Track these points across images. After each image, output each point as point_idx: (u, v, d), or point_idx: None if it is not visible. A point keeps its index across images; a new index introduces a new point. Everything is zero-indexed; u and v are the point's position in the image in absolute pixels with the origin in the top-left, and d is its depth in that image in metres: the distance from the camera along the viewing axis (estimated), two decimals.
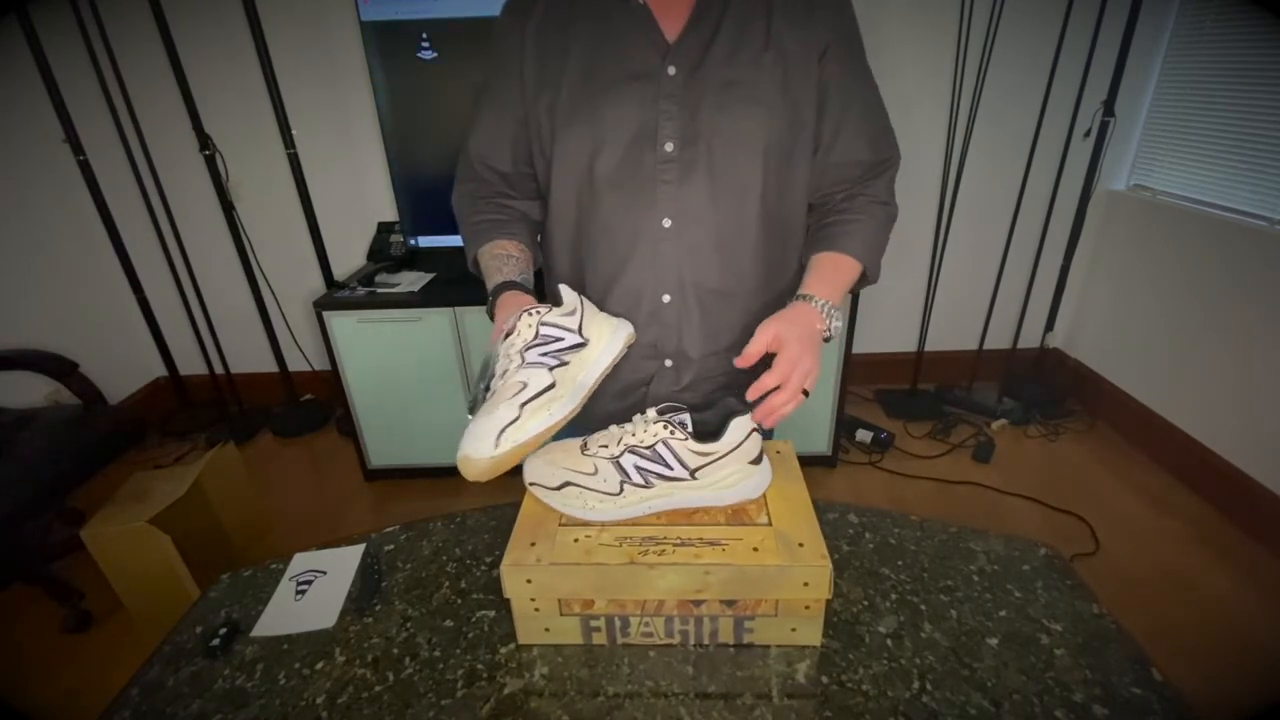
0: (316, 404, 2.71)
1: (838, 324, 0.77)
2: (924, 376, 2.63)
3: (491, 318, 0.81)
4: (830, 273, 0.81)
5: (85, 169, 2.17)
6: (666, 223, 0.79)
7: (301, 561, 0.83)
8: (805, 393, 0.71)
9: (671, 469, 0.69)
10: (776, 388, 0.70)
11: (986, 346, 2.61)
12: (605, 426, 0.75)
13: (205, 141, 2.25)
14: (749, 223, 0.81)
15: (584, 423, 0.79)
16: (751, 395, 0.71)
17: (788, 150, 0.80)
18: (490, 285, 0.83)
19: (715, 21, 0.76)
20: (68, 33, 2.06)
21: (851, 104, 0.81)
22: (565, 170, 0.82)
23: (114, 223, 2.31)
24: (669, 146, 0.77)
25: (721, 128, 0.77)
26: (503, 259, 0.83)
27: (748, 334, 0.74)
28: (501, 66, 0.83)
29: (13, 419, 1.78)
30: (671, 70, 0.76)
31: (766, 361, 0.73)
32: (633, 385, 0.88)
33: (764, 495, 0.73)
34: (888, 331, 2.66)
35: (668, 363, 0.86)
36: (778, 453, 0.80)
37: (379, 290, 2.07)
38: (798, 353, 0.71)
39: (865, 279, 0.86)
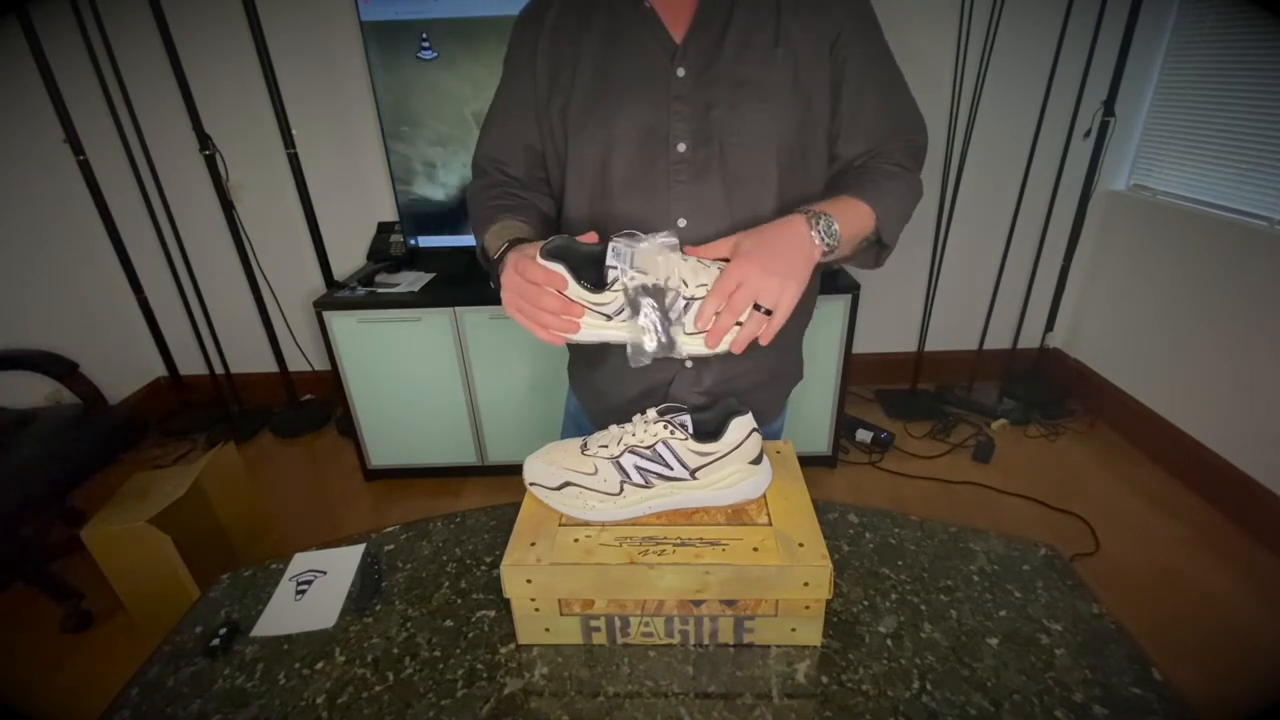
0: (316, 404, 2.72)
1: (836, 228, 0.69)
2: (924, 376, 2.63)
3: (498, 283, 0.73)
4: (832, 203, 0.74)
5: (85, 169, 2.17)
6: (681, 223, 0.79)
7: (301, 561, 0.83)
8: (767, 311, 0.65)
9: (671, 469, 0.69)
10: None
11: (986, 346, 2.61)
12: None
13: (205, 141, 2.25)
14: (765, 219, 0.80)
15: (603, 421, 0.79)
16: (697, 323, 0.65)
17: (801, 146, 0.79)
18: (500, 242, 0.75)
19: (723, 20, 0.76)
20: (68, 33, 2.06)
21: (868, 92, 0.80)
22: (578, 173, 0.82)
23: (114, 223, 2.31)
24: (681, 147, 0.77)
25: (734, 127, 0.76)
26: (515, 230, 0.79)
27: None
28: (515, 72, 0.84)
29: (13, 419, 1.78)
30: (681, 71, 0.76)
31: (779, 348, 0.71)
32: (656, 386, 0.87)
33: (764, 495, 0.73)
34: (888, 331, 2.67)
35: (688, 363, 0.86)
36: (778, 453, 0.80)
37: (379, 290, 2.07)
38: (738, 267, 0.64)
39: (883, 243, 0.80)
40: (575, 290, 0.64)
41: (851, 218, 0.74)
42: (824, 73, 0.78)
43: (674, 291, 0.64)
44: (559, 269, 0.63)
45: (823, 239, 0.69)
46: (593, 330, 0.66)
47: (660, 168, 0.78)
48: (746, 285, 0.64)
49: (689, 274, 0.64)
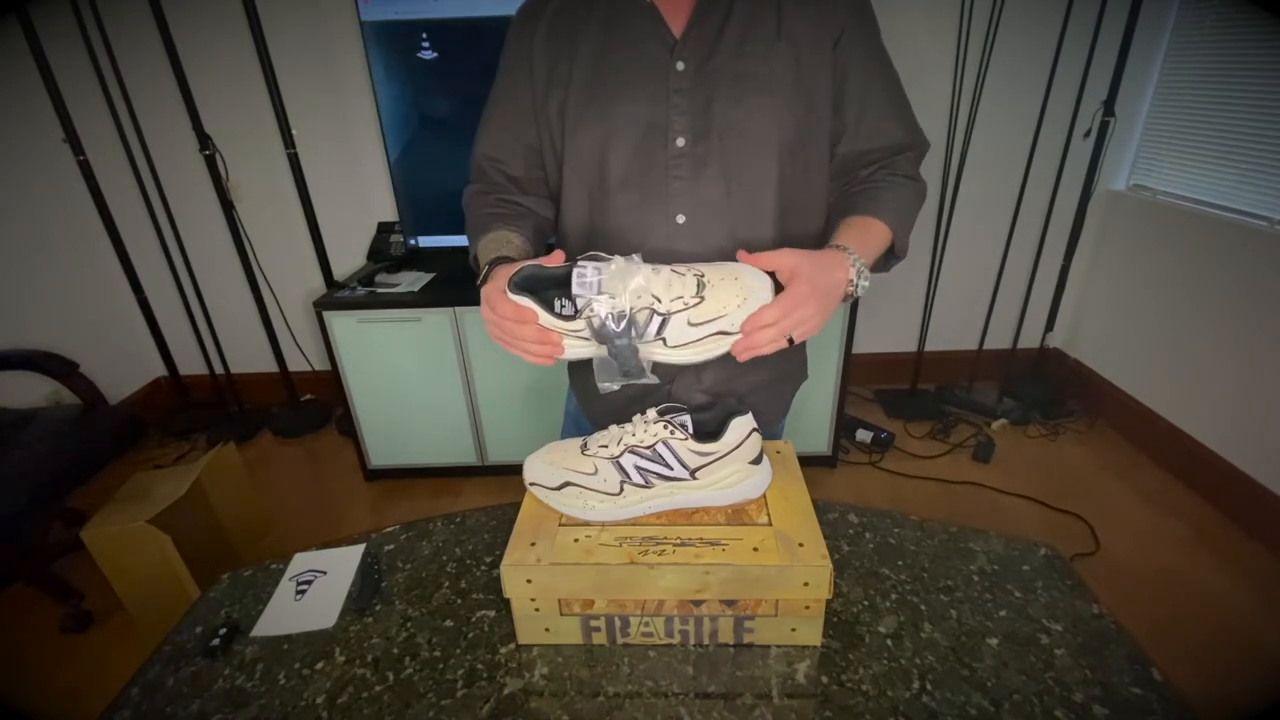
0: (316, 404, 2.72)
1: (865, 283, 0.71)
2: (924, 376, 2.63)
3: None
4: (858, 231, 0.76)
5: (85, 169, 2.17)
6: (680, 219, 0.79)
7: (301, 561, 0.83)
8: (790, 340, 0.66)
9: (671, 469, 0.69)
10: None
11: (986, 346, 2.61)
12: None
13: (205, 141, 2.25)
14: (765, 215, 0.80)
15: (603, 421, 0.79)
16: (745, 328, 0.65)
17: (803, 141, 0.79)
18: (485, 259, 0.77)
19: (723, 13, 0.76)
20: (68, 33, 2.06)
21: (872, 90, 0.80)
22: (576, 169, 0.81)
23: (114, 222, 2.31)
24: (680, 142, 0.77)
25: (734, 121, 0.76)
26: (502, 243, 0.80)
27: None
28: (512, 69, 0.83)
29: (13, 419, 1.78)
30: (680, 65, 0.76)
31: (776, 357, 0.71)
32: (656, 386, 0.87)
33: (764, 495, 0.73)
34: (888, 331, 2.67)
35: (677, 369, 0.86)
36: (778, 453, 0.80)
37: (379, 290, 2.07)
38: (804, 295, 0.65)
39: (893, 254, 0.82)
40: (548, 320, 0.64)
41: (874, 245, 0.77)
42: (826, 70, 0.77)
43: (647, 310, 0.63)
44: (527, 303, 0.64)
45: (854, 290, 0.72)
46: (577, 350, 0.66)
47: (659, 163, 0.78)
48: (804, 317, 0.65)
49: (662, 289, 0.64)
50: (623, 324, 0.63)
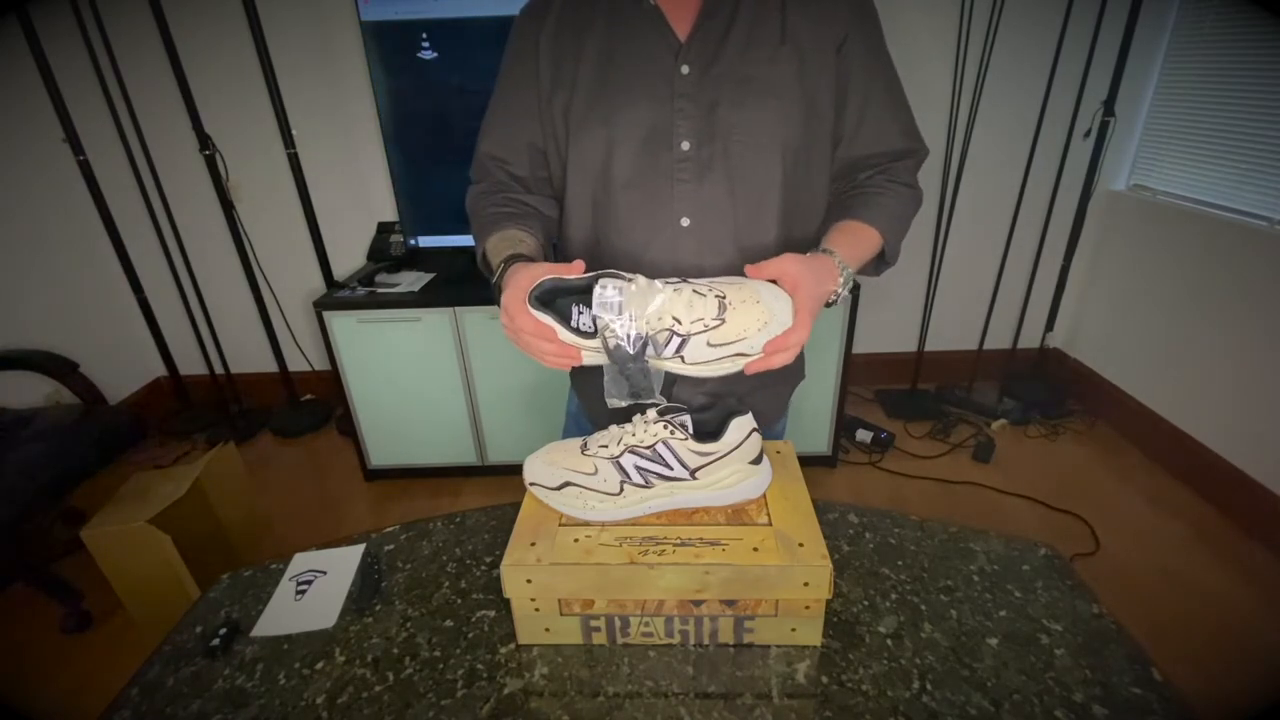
0: (316, 404, 2.72)
1: (845, 292, 0.73)
2: (924, 376, 2.63)
3: (498, 294, 0.74)
4: (850, 237, 0.77)
5: (85, 169, 2.17)
6: (684, 222, 0.79)
7: (301, 561, 0.83)
8: None
9: (671, 469, 0.69)
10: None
11: (986, 346, 2.61)
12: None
13: (205, 141, 2.25)
14: (768, 218, 0.80)
15: (604, 421, 0.79)
16: (767, 350, 0.65)
17: (806, 144, 0.79)
18: (499, 258, 0.77)
19: (727, 18, 0.76)
20: (68, 33, 2.06)
21: (874, 95, 0.80)
22: (580, 171, 0.81)
23: (114, 222, 2.31)
24: (685, 145, 0.77)
25: (738, 124, 0.76)
26: (514, 242, 0.79)
27: None
28: (516, 69, 0.83)
29: (13, 419, 1.78)
30: (685, 69, 0.76)
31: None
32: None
33: (764, 495, 0.73)
34: (888, 331, 2.67)
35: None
36: (778, 453, 0.80)
37: (379, 290, 2.07)
38: (810, 309, 0.67)
39: (884, 260, 0.83)
40: (566, 336, 0.64)
41: (864, 251, 0.78)
42: (829, 73, 0.78)
43: (667, 331, 0.63)
44: (547, 320, 0.63)
45: (834, 299, 0.73)
46: (594, 358, 0.67)
47: (663, 167, 0.78)
48: (798, 345, 0.66)
49: (683, 310, 0.63)
50: (637, 347, 0.63)
